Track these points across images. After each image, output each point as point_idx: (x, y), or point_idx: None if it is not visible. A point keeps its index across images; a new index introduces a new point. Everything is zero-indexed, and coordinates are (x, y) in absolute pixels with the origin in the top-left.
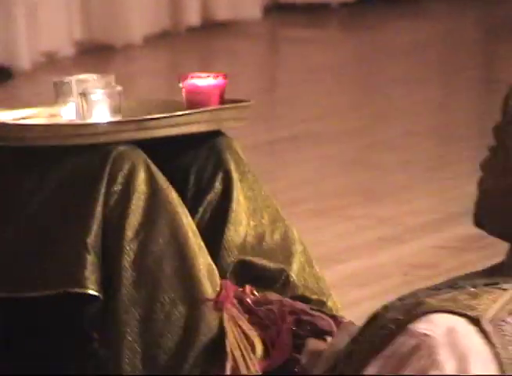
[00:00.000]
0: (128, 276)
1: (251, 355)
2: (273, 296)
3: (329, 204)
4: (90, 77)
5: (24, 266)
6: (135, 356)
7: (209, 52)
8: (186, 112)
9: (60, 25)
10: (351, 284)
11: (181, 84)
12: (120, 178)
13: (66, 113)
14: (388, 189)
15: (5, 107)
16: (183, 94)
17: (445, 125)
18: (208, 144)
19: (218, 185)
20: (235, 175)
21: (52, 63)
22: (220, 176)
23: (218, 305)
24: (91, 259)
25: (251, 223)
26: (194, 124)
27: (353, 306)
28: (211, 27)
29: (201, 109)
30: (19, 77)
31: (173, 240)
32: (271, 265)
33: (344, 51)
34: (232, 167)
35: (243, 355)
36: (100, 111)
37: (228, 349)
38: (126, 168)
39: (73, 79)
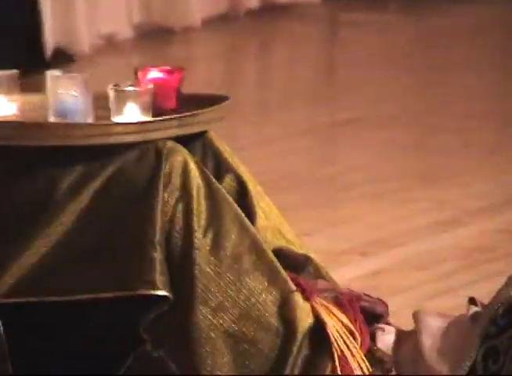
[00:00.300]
0: (203, 274)
1: (354, 342)
2: (321, 284)
3: (388, 187)
4: (64, 75)
5: (85, 269)
6: (225, 350)
7: (268, 36)
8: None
9: (119, 8)
10: (409, 268)
11: (137, 77)
12: (175, 174)
13: None
14: (448, 172)
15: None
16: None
17: (506, 109)
18: (198, 140)
19: (229, 181)
20: (240, 171)
21: (111, 46)
22: (229, 172)
23: (306, 294)
24: (159, 259)
25: (265, 216)
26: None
27: (412, 290)
28: (271, 10)
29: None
30: (79, 60)
31: (243, 234)
32: (298, 252)
33: (403, 34)
34: (235, 164)
35: (345, 342)
36: (131, 108)
37: (332, 338)
38: (179, 163)
39: (48, 74)
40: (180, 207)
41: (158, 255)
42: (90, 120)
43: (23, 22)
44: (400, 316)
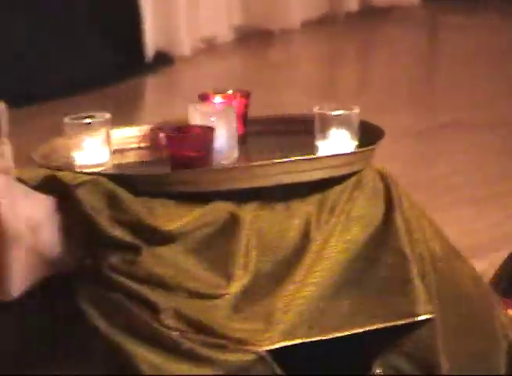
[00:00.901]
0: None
1: None
2: None
3: (487, 191)
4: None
5: (347, 302)
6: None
7: (367, 38)
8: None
9: (219, 11)
10: None
11: (197, 107)
12: (399, 194)
13: (82, 157)
14: None
15: (167, 93)
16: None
17: None
18: None
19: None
20: None
21: (211, 48)
22: None
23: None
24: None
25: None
26: None
27: None
28: (370, 13)
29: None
30: (180, 62)
31: (448, 243)
32: None
33: (503, 37)
34: None
35: None
36: (338, 134)
37: None
38: (396, 183)
39: (191, 108)
40: (403, 222)
41: (418, 276)
42: (236, 155)
43: (124, 24)
44: None
